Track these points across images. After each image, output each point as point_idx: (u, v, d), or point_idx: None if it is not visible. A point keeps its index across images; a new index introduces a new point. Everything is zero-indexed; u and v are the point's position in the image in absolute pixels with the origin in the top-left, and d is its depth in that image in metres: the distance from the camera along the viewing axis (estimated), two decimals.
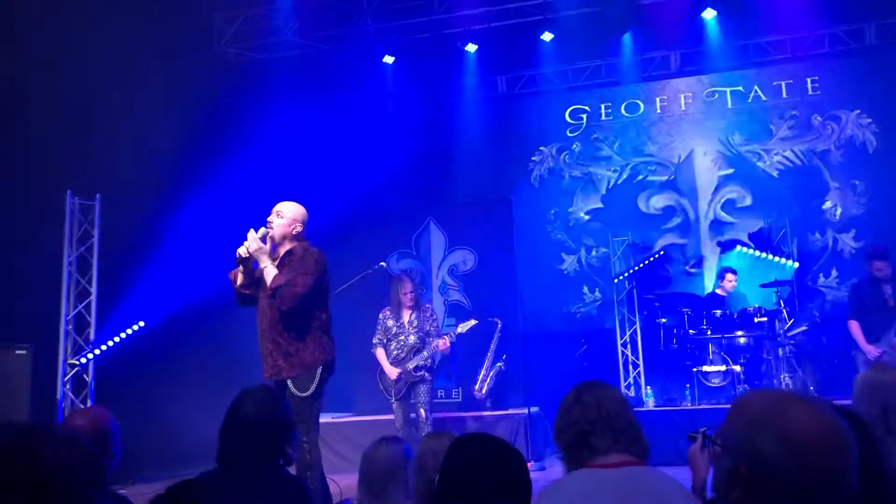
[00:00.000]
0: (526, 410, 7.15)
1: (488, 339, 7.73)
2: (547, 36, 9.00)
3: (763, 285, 7.88)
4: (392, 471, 2.63)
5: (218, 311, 6.99)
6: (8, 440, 1.10)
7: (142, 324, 7.16)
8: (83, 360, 6.90)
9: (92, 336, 7.06)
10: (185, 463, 5.99)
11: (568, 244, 9.59)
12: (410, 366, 6.37)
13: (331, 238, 6.22)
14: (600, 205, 9.56)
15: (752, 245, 8.66)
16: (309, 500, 2.63)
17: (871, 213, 8.64)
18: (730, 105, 9.29)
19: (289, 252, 4.44)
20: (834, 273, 8.68)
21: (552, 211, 9.68)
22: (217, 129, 8.08)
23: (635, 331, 8.54)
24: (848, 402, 2.75)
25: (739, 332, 7.34)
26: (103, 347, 6.98)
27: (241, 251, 4.38)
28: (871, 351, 6.41)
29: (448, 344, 6.50)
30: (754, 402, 1.27)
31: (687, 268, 9.09)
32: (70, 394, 6.90)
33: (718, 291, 7.91)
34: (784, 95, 9.12)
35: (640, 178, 9.47)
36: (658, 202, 9.39)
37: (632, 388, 8.24)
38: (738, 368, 7.17)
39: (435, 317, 6.71)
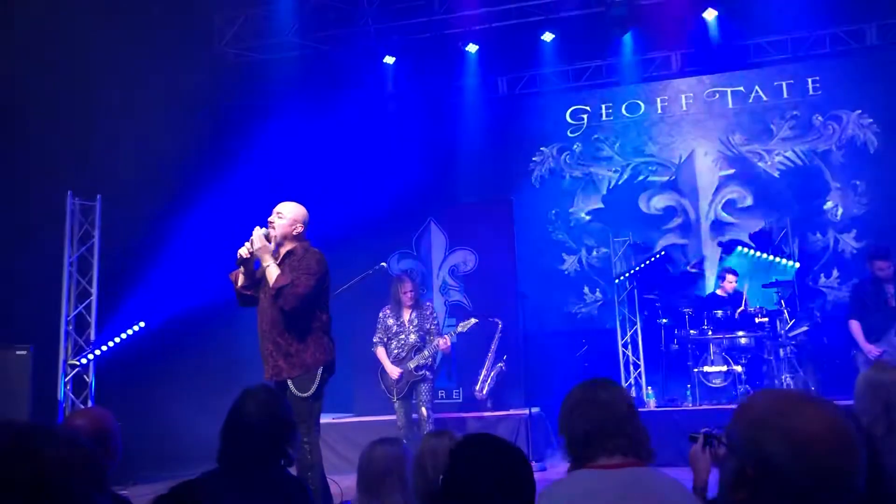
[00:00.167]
0: (527, 411, 7.15)
1: (489, 340, 7.72)
2: (548, 36, 9.00)
3: (764, 286, 7.88)
4: (389, 471, 2.62)
5: (218, 312, 7.00)
6: (8, 440, 1.10)
7: (142, 324, 7.16)
8: (84, 361, 6.90)
9: (92, 336, 7.06)
10: (186, 463, 5.99)
11: (569, 244, 9.58)
12: (411, 365, 6.37)
13: (331, 238, 6.21)
14: (601, 205, 9.56)
15: (753, 245, 8.65)
16: (310, 500, 2.62)
17: (872, 214, 8.64)
18: (731, 105, 9.29)
19: (289, 252, 4.43)
20: (835, 273, 8.67)
21: (553, 211, 9.67)
22: (217, 130, 8.09)
23: (636, 331, 8.53)
24: (849, 401, 2.75)
25: (740, 333, 7.34)
26: (104, 348, 6.98)
27: (243, 252, 4.37)
28: (872, 350, 6.41)
29: (449, 343, 6.51)
30: (761, 402, 1.26)
31: (688, 268, 9.09)
32: (71, 394, 6.90)
33: (719, 292, 7.90)
34: (785, 96, 9.12)
35: (640, 178, 9.47)
36: (659, 202, 9.39)
37: (633, 388, 8.23)
38: (739, 369, 7.16)
39: (435, 315, 6.72)
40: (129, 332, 7.10)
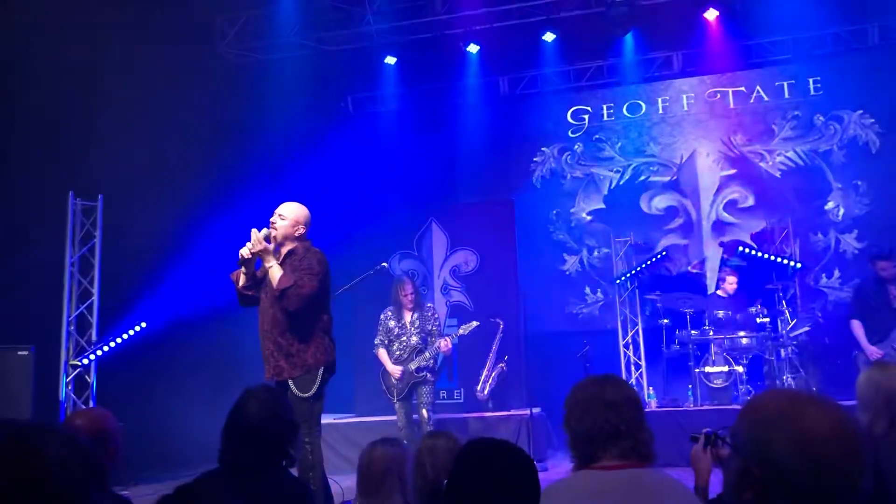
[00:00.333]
0: (528, 411, 7.14)
1: (490, 340, 7.72)
2: (549, 36, 8.99)
3: (765, 286, 7.87)
4: (389, 471, 2.63)
5: (219, 312, 6.99)
6: (9, 439, 1.10)
7: (144, 325, 7.16)
8: (85, 361, 6.90)
9: (94, 337, 7.07)
10: (187, 464, 6.00)
11: (570, 245, 9.58)
12: (413, 366, 6.37)
13: (332, 239, 6.22)
14: (602, 205, 9.55)
15: (755, 246, 8.65)
16: (311, 500, 2.62)
17: (873, 214, 8.62)
18: (732, 105, 9.28)
19: (290, 252, 4.43)
20: (836, 273, 8.66)
21: (554, 211, 9.67)
22: (219, 130, 8.08)
23: (637, 331, 8.53)
24: (850, 402, 2.75)
25: (742, 333, 7.33)
26: (105, 348, 6.98)
27: (244, 252, 4.37)
28: (874, 352, 6.41)
29: (450, 345, 6.51)
30: (767, 402, 1.26)
31: (689, 268, 9.08)
32: (72, 395, 6.91)
33: (720, 293, 7.90)
34: (786, 96, 9.11)
35: (642, 178, 9.46)
36: (660, 203, 9.38)
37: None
38: (740, 369, 7.16)
39: (436, 316, 6.72)
40: (131, 332, 7.10)
